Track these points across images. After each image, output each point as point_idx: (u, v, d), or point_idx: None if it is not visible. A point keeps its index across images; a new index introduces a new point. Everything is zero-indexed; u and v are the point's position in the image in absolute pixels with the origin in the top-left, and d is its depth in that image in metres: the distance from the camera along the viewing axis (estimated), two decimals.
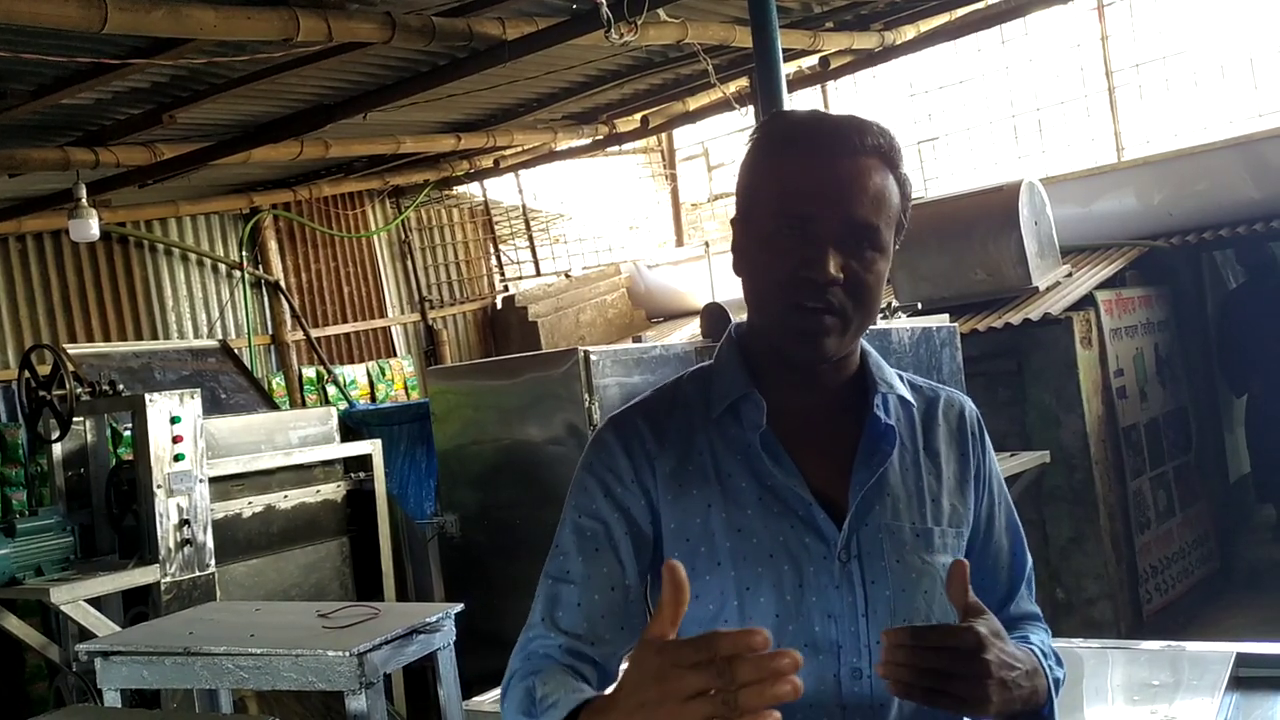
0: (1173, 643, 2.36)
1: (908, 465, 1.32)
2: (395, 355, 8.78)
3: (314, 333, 8.26)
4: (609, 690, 1.08)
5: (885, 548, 1.26)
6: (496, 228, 9.80)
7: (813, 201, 1.23)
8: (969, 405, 1.42)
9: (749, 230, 1.29)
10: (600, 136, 7.90)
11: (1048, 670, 1.27)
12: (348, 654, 3.02)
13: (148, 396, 4.49)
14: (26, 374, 4.76)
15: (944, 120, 8.55)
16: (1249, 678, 2.05)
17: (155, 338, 7.38)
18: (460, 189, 9.44)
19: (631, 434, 1.32)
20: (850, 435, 1.30)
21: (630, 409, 1.36)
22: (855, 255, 1.23)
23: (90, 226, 5.88)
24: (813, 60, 6.89)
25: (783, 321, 1.26)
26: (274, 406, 6.97)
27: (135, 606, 4.62)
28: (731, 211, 1.38)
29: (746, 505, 1.27)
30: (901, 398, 1.34)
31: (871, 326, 1.32)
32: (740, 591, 1.25)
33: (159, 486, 4.45)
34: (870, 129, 1.26)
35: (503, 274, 9.83)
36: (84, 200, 5.83)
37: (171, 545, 4.47)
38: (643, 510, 1.29)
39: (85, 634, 4.13)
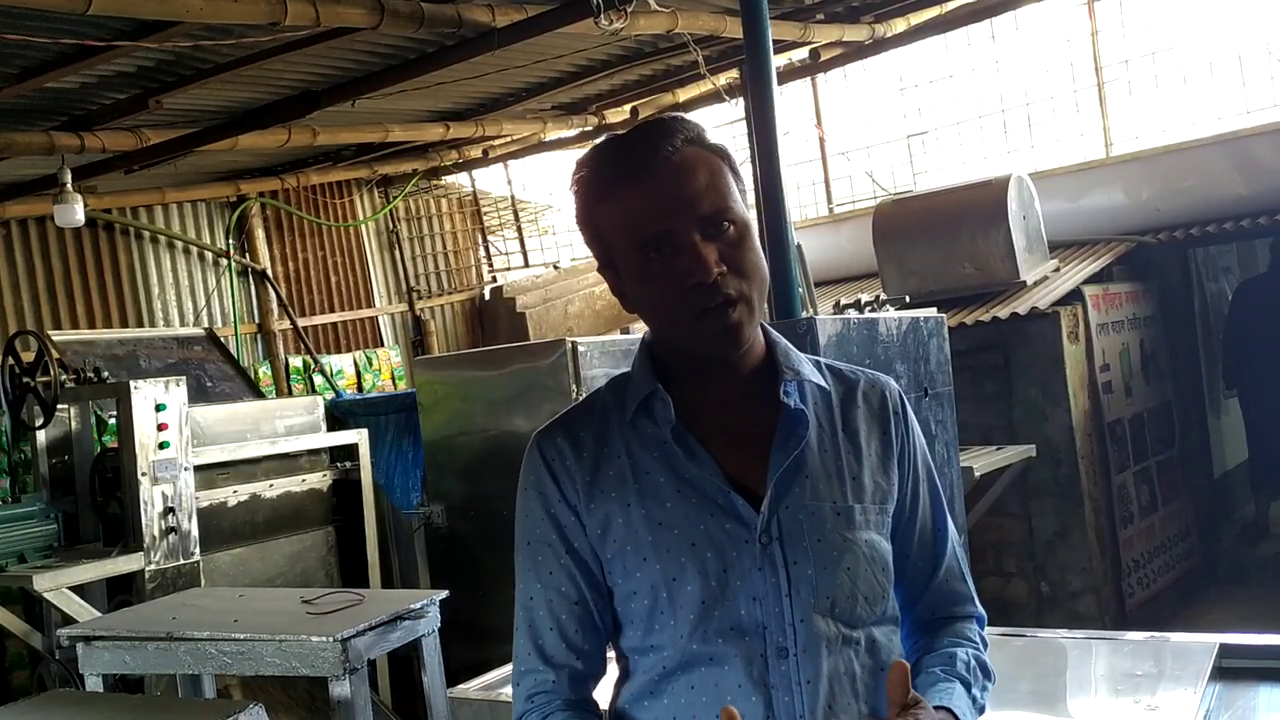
0: (1156, 634, 2.37)
1: (826, 445, 1.35)
2: (382, 345, 8.75)
3: (301, 322, 8.21)
4: None
5: (805, 528, 1.30)
6: (485, 218, 9.76)
7: (659, 219, 1.26)
8: (891, 386, 1.45)
9: (621, 273, 1.33)
10: (589, 127, 7.86)
11: (974, 699, 1.34)
12: (331, 639, 3.01)
13: (133, 384, 4.46)
14: (10, 360, 4.72)
15: (933, 114, 8.55)
16: (1232, 668, 2.06)
17: (141, 325, 7.33)
18: (449, 179, 9.39)
19: (552, 452, 1.37)
20: (766, 423, 1.33)
21: (552, 424, 1.41)
22: (722, 240, 1.27)
23: (75, 212, 5.83)
24: (803, 53, 6.89)
25: (695, 332, 1.28)
26: (260, 395, 6.94)
27: (119, 595, 4.60)
28: None
29: (665, 499, 1.31)
30: (815, 383, 1.37)
31: (766, 290, 1.36)
32: (667, 583, 1.29)
33: (143, 474, 4.43)
34: (673, 126, 1.31)
35: (491, 265, 9.79)
36: (69, 185, 5.78)
37: (156, 533, 4.45)
38: (575, 524, 1.35)
39: (69, 622, 4.10)
